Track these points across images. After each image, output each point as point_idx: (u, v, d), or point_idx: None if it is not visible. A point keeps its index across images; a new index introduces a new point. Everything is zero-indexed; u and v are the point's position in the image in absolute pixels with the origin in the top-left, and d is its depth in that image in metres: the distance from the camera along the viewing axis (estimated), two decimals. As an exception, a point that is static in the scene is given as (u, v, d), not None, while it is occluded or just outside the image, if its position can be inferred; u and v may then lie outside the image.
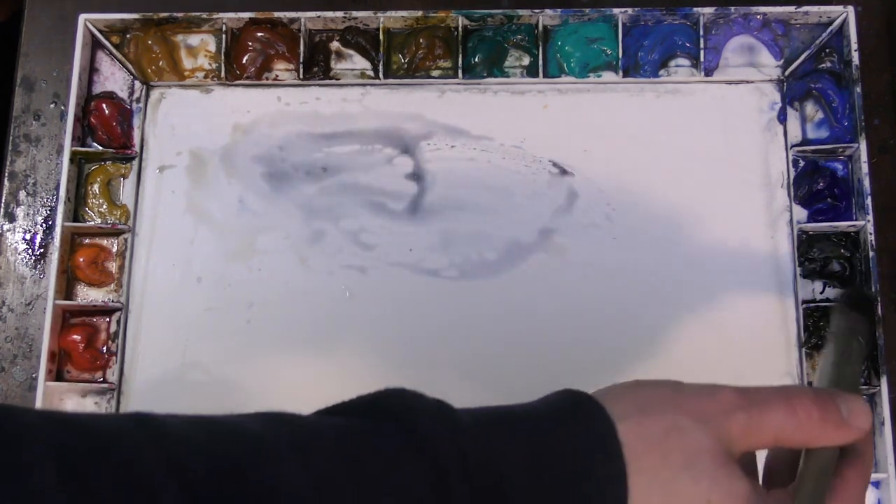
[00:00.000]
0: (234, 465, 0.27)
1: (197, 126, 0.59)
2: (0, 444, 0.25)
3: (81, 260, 0.57)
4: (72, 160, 0.57)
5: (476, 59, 0.59)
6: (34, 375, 0.56)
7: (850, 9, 0.57)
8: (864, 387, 0.53)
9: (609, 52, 0.58)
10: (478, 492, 0.28)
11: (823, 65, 0.58)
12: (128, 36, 0.60)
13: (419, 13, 0.58)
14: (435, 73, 0.59)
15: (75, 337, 0.56)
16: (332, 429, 0.29)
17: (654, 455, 0.28)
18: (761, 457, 0.35)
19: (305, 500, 0.27)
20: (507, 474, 0.28)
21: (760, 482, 0.34)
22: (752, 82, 0.58)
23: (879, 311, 0.43)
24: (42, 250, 0.58)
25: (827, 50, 0.58)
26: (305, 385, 0.55)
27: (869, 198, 0.55)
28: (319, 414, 0.31)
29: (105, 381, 0.56)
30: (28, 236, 0.59)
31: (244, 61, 0.59)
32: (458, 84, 0.58)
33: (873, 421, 0.30)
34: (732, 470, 0.29)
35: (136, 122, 0.59)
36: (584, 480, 0.28)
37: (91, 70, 0.60)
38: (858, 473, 0.31)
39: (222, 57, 0.59)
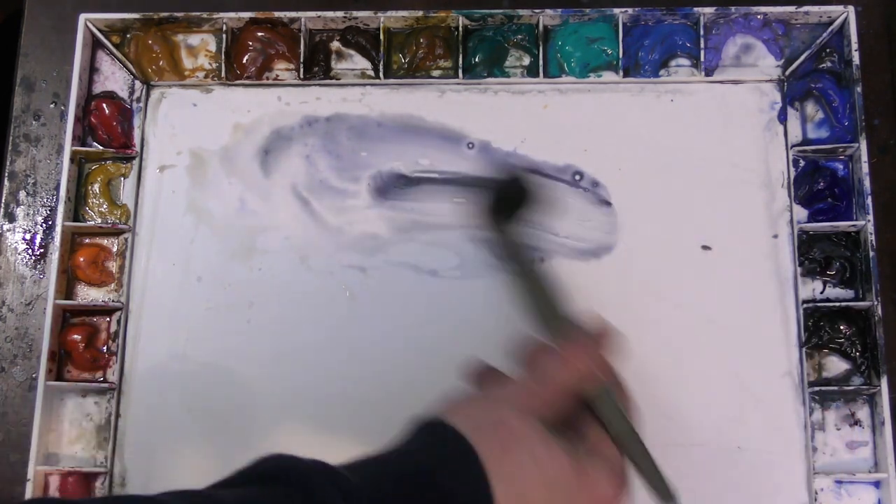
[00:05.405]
0: None
1: (197, 126, 0.59)
2: None
3: (82, 260, 0.57)
4: (72, 160, 0.57)
5: (476, 59, 0.59)
6: (34, 375, 0.56)
7: (851, 9, 0.57)
8: (864, 387, 0.53)
9: (609, 52, 0.58)
10: None
11: (824, 65, 0.58)
12: (128, 36, 0.60)
13: (419, 13, 0.58)
14: (435, 72, 0.59)
15: (75, 337, 0.56)
16: (233, 499, 0.32)
17: (495, 448, 0.35)
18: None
19: None
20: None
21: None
22: (752, 82, 0.58)
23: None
24: (42, 250, 0.58)
25: (827, 50, 0.58)
26: (305, 385, 0.55)
27: (869, 198, 0.55)
28: (214, 487, 0.34)
29: (105, 380, 0.56)
30: (28, 236, 0.59)
31: (244, 61, 0.59)
32: (459, 84, 0.58)
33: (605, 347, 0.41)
34: (548, 439, 0.36)
35: (137, 121, 0.59)
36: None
37: (91, 70, 0.60)
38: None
39: (222, 57, 0.59)
